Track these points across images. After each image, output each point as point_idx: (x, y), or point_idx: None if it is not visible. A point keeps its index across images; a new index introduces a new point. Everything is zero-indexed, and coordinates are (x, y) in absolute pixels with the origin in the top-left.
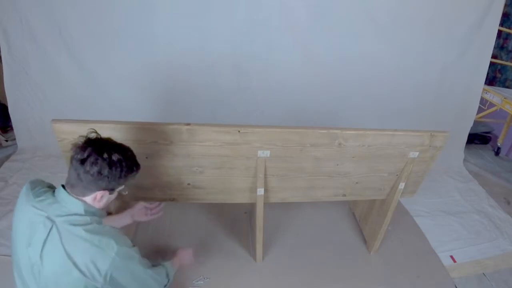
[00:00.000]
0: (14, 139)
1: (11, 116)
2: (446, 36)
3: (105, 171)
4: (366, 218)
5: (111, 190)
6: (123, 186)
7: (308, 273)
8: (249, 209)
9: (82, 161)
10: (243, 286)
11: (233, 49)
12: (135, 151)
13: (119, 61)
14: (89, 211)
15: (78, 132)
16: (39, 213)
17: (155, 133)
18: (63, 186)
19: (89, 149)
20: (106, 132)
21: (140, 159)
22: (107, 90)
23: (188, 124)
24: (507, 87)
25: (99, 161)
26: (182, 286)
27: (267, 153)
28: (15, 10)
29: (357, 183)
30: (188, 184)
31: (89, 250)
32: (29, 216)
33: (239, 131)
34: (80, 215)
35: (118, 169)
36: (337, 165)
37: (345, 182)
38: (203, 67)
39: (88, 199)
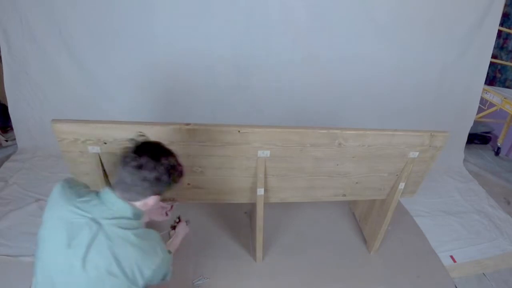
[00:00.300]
0: (14, 139)
1: (11, 116)
2: (446, 36)
3: (164, 176)
4: (366, 218)
5: (161, 195)
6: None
7: (308, 273)
8: (249, 209)
9: (140, 167)
10: (243, 286)
11: (233, 49)
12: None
13: (119, 61)
14: (136, 214)
15: (78, 132)
16: (83, 214)
17: (155, 133)
18: (109, 188)
19: (145, 155)
20: (106, 132)
21: None
22: (107, 90)
23: (188, 124)
24: (507, 87)
25: (158, 167)
26: (182, 286)
27: (267, 153)
28: (15, 10)
29: (357, 183)
30: (188, 184)
31: (136, 255)
32: (69, 216)
33: (239, 131)
34: (128, 218)
35: (174, 174)
36: (337, 165)
37: (345, 182)
38: (203, 67)
39: (139, 203)
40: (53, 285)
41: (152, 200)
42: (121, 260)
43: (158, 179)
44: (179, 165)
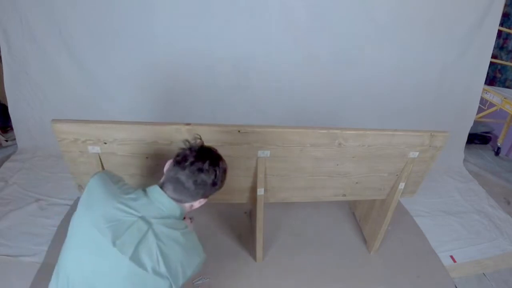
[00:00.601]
0: (14, 139)
1: (11, 116)
2: (446, 36)
3: (219, 181)
4: (366, 218)
5: (209, 197)
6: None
7: (308, 273)
8: (249, 209)
9: (201, 170)
10: (243, 286)
11: (233, 49)
12: (135, 151)
13: (119, 61)
14: (183, 215)
15: (78, 132)
16: (131, 212)
17: (155, 133)
18: (160, 187)
19: (207, 159)
20: (106, 132)
21: (140, 159)
22: (107, 90)
23: (188, 124)
24: (507, 87)
25: (217, 171)
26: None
27: (267, 153)
28: (15, 10)
29: (357, 183)
30: None
31: (182, 254)
32: (116, 214)
33: (239, 131)
34: (176, 218)
35: (225, 178)
36: (337, 165)
37: (345, 182)
38: (203, 67)
39: (187, 205)
40: (90, 285)
41: (199, 203)
42: (169, 259)
43: (214, 184)
44: (227, 169)
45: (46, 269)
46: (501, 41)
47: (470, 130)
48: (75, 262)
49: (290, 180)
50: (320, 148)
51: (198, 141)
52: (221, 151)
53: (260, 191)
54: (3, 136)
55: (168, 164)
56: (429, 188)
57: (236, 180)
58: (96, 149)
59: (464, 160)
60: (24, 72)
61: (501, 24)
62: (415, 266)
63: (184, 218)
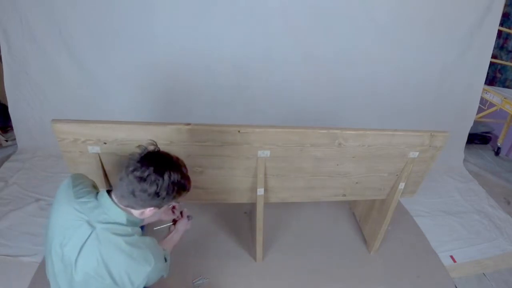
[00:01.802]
0: (14, 139)
1: (11, 116)
2: (446, 36)
3: (163, 193)
4: (366, 218)
5: (160, 208)
6: (172, 202)
7: (308, 273)
8: (249, 209)
9: (141, 179)
10: (243, 286)
11: (233, 49)
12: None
13: (119, 61)
14: (131, 221)
15: (78, 132)
16: (80, 216)
17: (155, 133)
18: (108, 191)
19: (150, 168)
20: (106, 132)
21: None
22: (107, 90)
23: (188, 124)
24: (507, 87)
25: (159, 182)
26: (182, 286)
27: (267, 153)
28: (15, 10)
29: (357, 183)
30: None
31: (126, 262)
32: (68, 217)
33: (239, 131)
34: (122, 224)
35: (175, 190)
36: (337, 165)
37: (345, 182)
38: (203, 67)
39: (136, 212)
40: (55, 280)
41: (149, 211)
42: (110, 265)
43: (157, 194)
44: (184, 179)
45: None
46: (501, 41)
47: (470, 130)
48: (47, 253)
49: (290, 180)
50: (320, 148)
51: (151, 146)
52: (221, 151)
53: (260, 191)
54: (3, 136)
55: None
56: (429, 188)
57: (236, 180)
58: (96, 149)
59: (464, 160)
60: (24, 72)
61: (501, 24)
62: (415, 266)
63: (174, 221)
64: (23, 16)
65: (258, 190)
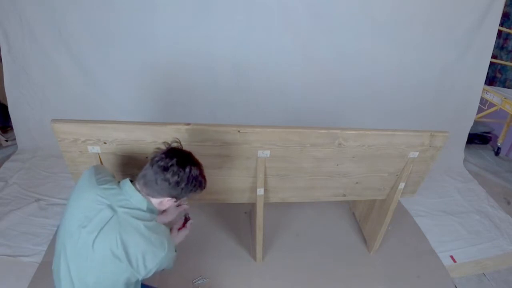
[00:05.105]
0: (14, 139)
1: (11, 116)
2: (446, 36)
3: (183, 183)
4: (366, 218)
5: (177, 199)
6: (186, 198)
7: (308, 273)
8: (249, 209)
9: (165, 168)
10: (243, 286)
11: (233, 49)
12: (135, 151)
13: (119, 61)
14: (150, 209)
15: (78, 132)
16: (102, 201)
17: (156, 133)
18: (130, 180)
19: (174, 159)
20: (106, 132)
21: (139, 159)
22: (107, 90)
23: (188, 124)
24: (507, 87)
25: (181, 173)
26: (182, 286)
27: (267, 153)
28: (15, 10)
29: (357, 183)
30: None
31: (143, 244)
32: (90, 201)
33: (239, 131)
34: (142, 210)
35: (193, 184)
36: (337, 165)
37: (345, 182)
38: (203, 67)
39: (155, 200)
40: (65, 260)
41: (167, 201)
42: (128, 246)
43: (177, 184)
44: (202, 177)
45: (45, 269)
46: (501, 41)
47: (470, 130)
48: (61, 234)
49: (290, 180)
50: (320, 148)
51: (175, 143)
52: (221, 151)
53: (260, 191)
54: (3, 136)
55: None
56: (429, 188)
57: (236, 180)
58: (96, 149)
59: (464, 160)
60: (24, 72)
61: (501, 24)
62: (415, 266)
63: (185, 222)
64: (23, 16)
65: (258, 190)
